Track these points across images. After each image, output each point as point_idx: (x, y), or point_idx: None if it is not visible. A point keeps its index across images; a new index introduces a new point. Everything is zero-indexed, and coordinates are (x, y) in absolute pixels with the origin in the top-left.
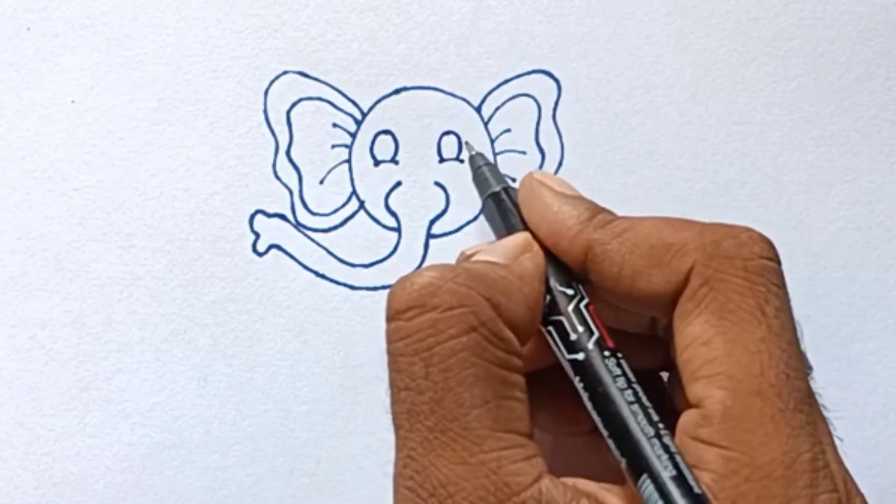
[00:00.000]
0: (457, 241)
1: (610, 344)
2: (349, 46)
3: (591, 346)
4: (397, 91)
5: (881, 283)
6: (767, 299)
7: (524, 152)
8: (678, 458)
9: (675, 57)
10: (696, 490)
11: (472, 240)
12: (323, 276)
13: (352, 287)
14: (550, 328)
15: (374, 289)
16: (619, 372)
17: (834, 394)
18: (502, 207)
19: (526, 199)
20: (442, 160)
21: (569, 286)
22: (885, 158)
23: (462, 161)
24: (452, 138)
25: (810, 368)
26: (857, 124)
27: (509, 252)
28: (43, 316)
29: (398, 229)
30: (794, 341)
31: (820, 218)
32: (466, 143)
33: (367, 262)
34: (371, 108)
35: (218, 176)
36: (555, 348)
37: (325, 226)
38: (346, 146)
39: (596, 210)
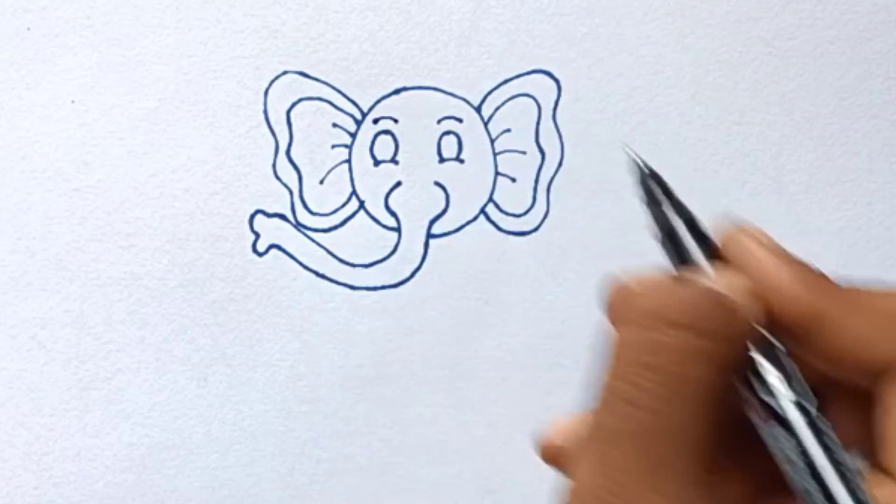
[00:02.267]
0: (457, 241)
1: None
2: (349, 46)
3: (809, 407)
4: (397, 91)
5: (881, 283)
6: None
7: (524, 152)
8: None
9: (675, 57)
10: None
11: (472, 240)
12: (323, 276)
13: (352, 287)
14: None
15: (374, 289)
16: (836, 441)
17: None
18: (690, 246)
19: (733, 252)
20: (442, 160)
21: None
22: (885, 158)
23: (462, 161)
24: (452, 138)
25: None
26: (857, 124)
27: (740, 292)
28: (43, 316)
29: (398, 229)
30: None
31: (820, 218)
32: (627, 147)
33: (367, 262)
34: (371, 108)
35: (218, 176)
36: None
37: (325, 226)
38: (346, 146)
39: (820, 275)
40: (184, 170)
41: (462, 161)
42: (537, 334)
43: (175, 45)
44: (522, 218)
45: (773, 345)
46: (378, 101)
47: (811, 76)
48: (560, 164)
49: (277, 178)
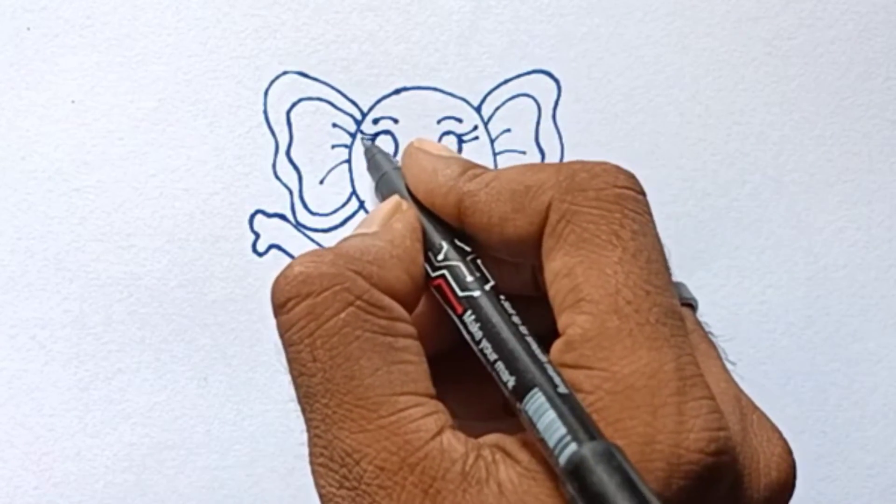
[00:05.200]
0: None
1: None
2: (349, 46)
3: (487, 287)
4: (397, 91)
5: (881, 283)
6: (623, 224)
7: (524, 152)
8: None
9: (675, 57)
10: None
11: None
12: None
13: None
14: (444, 275)
15: None
16: (514, 311)
17: (834, 394)
18: (389, 185)
19: (407, 167)
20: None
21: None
22: (885, 158)
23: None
24: (452, 138)
25: (694, 300)
26: (857, 124)
27: (380, 218)
28: (43, 316)
29: None
30: (656, 261)
31: (820, 218)
32: (362, 138)
33: None
34: (371, 108)
35: (218, 176)
36: (447, 294)
37: (325, 226)
38: (346, 146)
39: (468, 166)
40: (184, 170)
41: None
42: None
43: (175, 45)
44: None
45: (450, 248)
46: (378, 101)
47: (811, 76)
48: None
49: (277, 178)
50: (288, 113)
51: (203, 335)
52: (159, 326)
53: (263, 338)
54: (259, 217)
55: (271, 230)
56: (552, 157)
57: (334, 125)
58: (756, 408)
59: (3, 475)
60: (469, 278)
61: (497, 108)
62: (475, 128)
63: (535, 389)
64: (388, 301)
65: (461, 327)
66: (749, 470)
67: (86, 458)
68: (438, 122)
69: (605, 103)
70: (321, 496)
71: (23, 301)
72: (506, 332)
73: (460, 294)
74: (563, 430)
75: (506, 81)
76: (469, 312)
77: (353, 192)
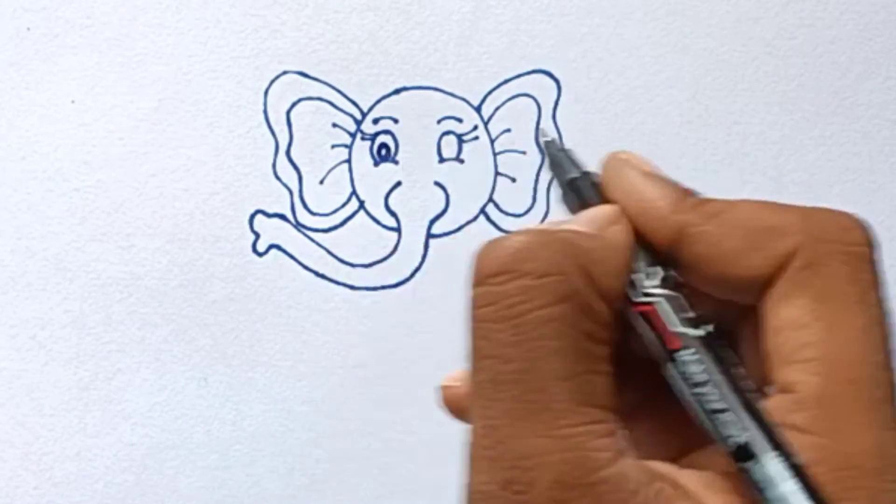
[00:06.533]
0: (457, 241)
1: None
2: (349, 46)
3: (710, 328)
4: (397, 91)
5: None
6: (871, 288)
7: (524, 152)
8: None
9: (675, 57)
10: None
11: (472, 240)
12: (323, 276)
13: (352, 287)
14: (659, 302)
15: (374, 289)
16: (738, 362)
17: None
18: (584, 192)
19: (610, 181)
20: (442, 160)
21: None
22: (886, 158)
23: (462, 161)
24: (452, 138)
25: None
26: (857, 124)
27: (599, 222)
28: (43, 316)
29: (398, 229)
30: (892, 335)
31: None
32: (542, 128)
33: (367, 262)
34: (371, 108)
35: (218, 176)
36: (657, 324)
37: (325, 226)
38: (346, 146)
39: (686, 191)
40: (184, 170)
41: (462, 161)
42: None
43: (175, 45)
44: (522, 218)
45: (666, 276)
46: (378, 101)
47: (811, 76)
48: None
49: (277, 178)
50: (288, 113)
51: (203, 335)
52: (159, 326)
53: (263, 338)
54: (259, 217)
55: (271, 230)
56: None
57: (334, 125)
58: None
59: (3, 475)
60: (691, 314)
61: (497, 108)
62: (475, 128)
63: (774, 454)
64: (602, 305)
65: (669, 366)
66: None
67: (86, 458)
68: (438, 122)
69: (605, 103)
70: (475, 491)
71: (23, 301)
72: (733, 383)
73: (678, 330)
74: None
75: (506, 81)
76: (692, 351)
77: (353, 192)
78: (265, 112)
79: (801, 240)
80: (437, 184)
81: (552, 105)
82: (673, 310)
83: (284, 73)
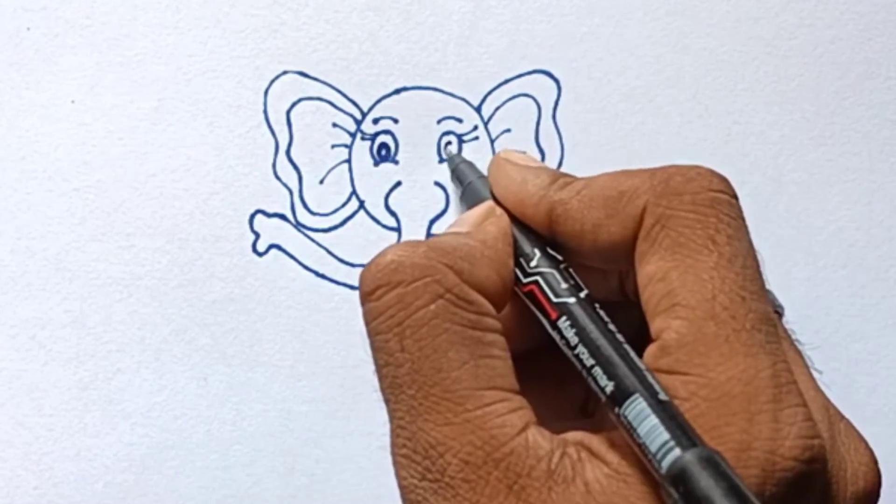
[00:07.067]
0: None
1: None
2: (349, 46)
3: (582, 294)
4: (397, 91)
5: (881, 283)
6: (718, 229)
7: (524, 152)
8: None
9: (675, 57)
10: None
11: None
12: (323, 276)
13: (352, 287)
14: (536, 281)
15: None
16: (608, 319)
17: (834, 394)
18: (476, 194)
19: (494, 177)
20: (442, 160)
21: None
22: (886, 158)
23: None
24: (452, 138)
25: (780, 307)
26: (857, 124)
27: (472, 220)
28: (43, 316)
29: (398, 229)
30: (751, 267)
31: (820, 218)
32: (448, 143)
33: (366, 262)
34: (371, 108)
35: (218, 176)
36: (540, 300)
37: (325, 226)
38: (346, 146)
39: (557, 175)
40: (184, 170)
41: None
42: None
43: (175, 45)
44: None
45: (542, 255)
46: (378, 101)
47: (811, 76)
48: (560, 164)
49: (277, 178)
50: (288, 113)
51: (203, 335)
52: (159, 326)
53: (263, 338)
54: (259, 217)
55: (271, 230)
56: (552, 157)
57: (334, 125)
58: (843, 417)
59: (3, 475)
60: (564, 285)
61: (497, 108)
62: (475, 128)
63: (636, 395)
64: (477, 296)
65: (554, 333)
66: (837, 479)
67: (86, 458)
68: (438, 122)
69: (605, 103)
70: (402, 487)
71: (23, 301)
72: (603, 339)
73: (554, 300)
74: (665, 436)
75: (506, 81)
76: (564, 318)
77: (353, 192)
78: (265, 112)
79: (649, 199)
80: (437, 184)
81: (552, 105)
82: (548, 284)
83: (284, 73)
